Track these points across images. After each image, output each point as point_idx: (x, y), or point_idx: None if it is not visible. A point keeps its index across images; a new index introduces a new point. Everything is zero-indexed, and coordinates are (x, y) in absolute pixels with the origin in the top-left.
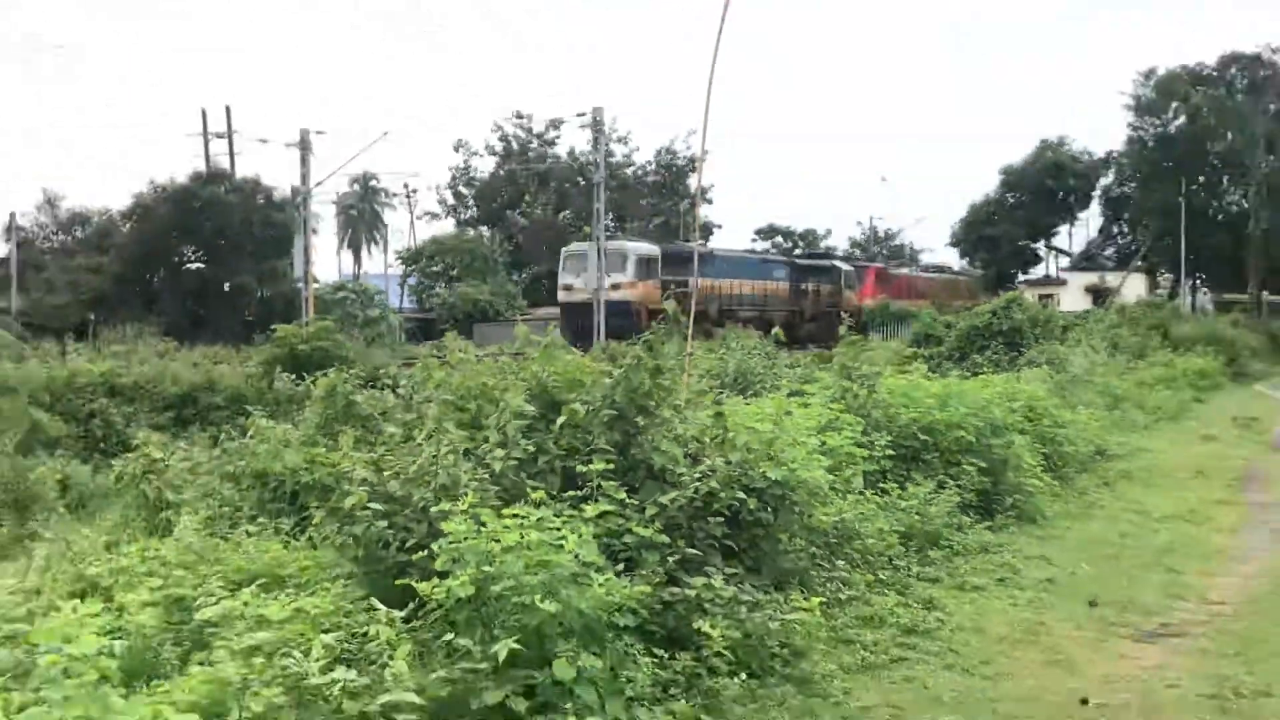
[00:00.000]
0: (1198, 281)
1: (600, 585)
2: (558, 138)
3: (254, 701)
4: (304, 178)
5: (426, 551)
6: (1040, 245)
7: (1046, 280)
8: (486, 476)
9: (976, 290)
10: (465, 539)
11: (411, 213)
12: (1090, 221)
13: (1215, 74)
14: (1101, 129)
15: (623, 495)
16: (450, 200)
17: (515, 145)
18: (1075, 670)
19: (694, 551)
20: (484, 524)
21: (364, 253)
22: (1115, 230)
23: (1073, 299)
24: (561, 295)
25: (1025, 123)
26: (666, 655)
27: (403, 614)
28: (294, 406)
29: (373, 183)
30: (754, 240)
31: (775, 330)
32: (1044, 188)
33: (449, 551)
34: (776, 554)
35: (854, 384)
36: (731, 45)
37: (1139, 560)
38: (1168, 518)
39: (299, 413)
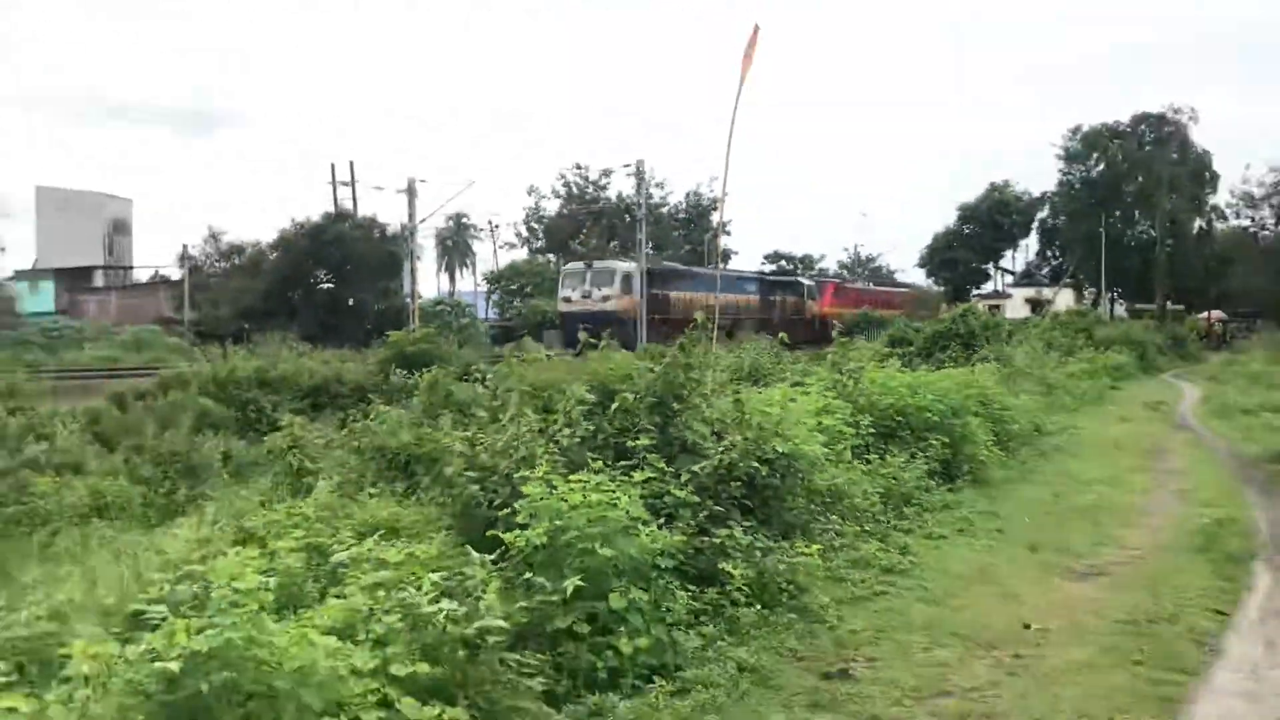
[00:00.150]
0: (1115, 294)
1: (645, 535)
2: (608, 183)
3: (378, 626)
4: (411, 216)
5: (510, 509)
6: (990, 266)
7: (995, 294)
8: (556, 450)
9: (921, 302)
10: (540, 499)
11: (494, 243)
12: (1029, 247)
13: (1129, 129)
14: (1037, 174)
15: (663, 465)
16: (524, 233)
17: (575, 189)
18: (1020, 601)
19: (719, 509)
20: (554, 487)
21: (457, 275)
22: (1049, 254)
23: (1015, 309)
24: (561, 306)
25: (977, 170)
26: (698, 590)
27: (492, 558)
28: (404, 395)
29: (464, 220)
30: (763, 263)
31: (781, 335)
32: (992, 220)
33: (527, 509)
34: (784, 511)
35: (843, 377)
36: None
37: (1070, 515)
38: (1093, 481)
39: (408, 400)
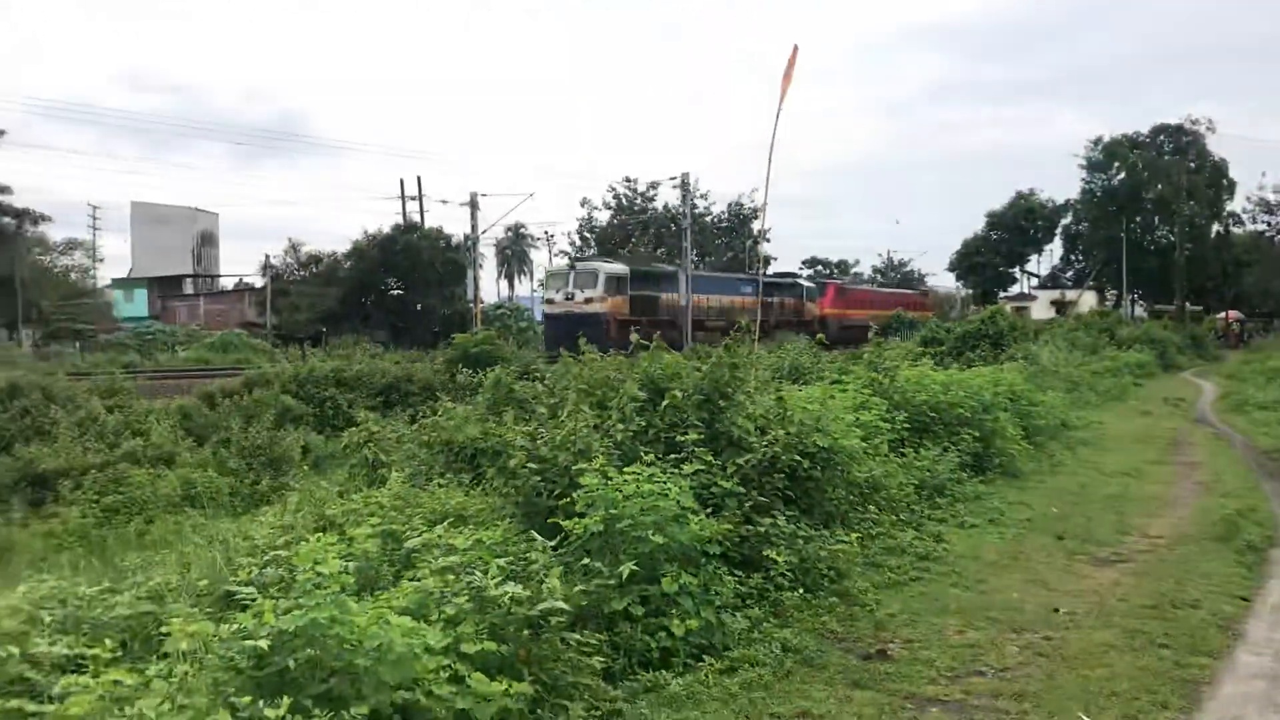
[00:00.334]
0: (1136, 296)
1: (695, 523)
2: (655, 195)
3: (448, 607)
4: (473, 227)
5: (568, 499)
6: (1016, 270)
7: (1021, 296)
8: (611, 444)
9: (933, 304)
10: (596, 490)
11: (550, 252)
12: (1054, 251)
13: (1148, 140)
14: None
15: (710, 458)
16: (577, 242)
17: (624, 201)
18: (1048, 587)
19: (763, 499)
20: (610, 478)
21: (516, 281)
22: (1073, 258)
23: (1041, 311)
24: (545, 308)
25: (1005, 178)
26: (744, 575)
27: (552, 544)
28: (469, 393)
29: (522, 230)
30: (800, 268)
31: (819, 335)
32: (1019, 226)
33: (585, 499)
34: (824, 501)
35: (879, 374)
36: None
37: (1095, 505)
38: (1116, 473)
39: (473, 397)
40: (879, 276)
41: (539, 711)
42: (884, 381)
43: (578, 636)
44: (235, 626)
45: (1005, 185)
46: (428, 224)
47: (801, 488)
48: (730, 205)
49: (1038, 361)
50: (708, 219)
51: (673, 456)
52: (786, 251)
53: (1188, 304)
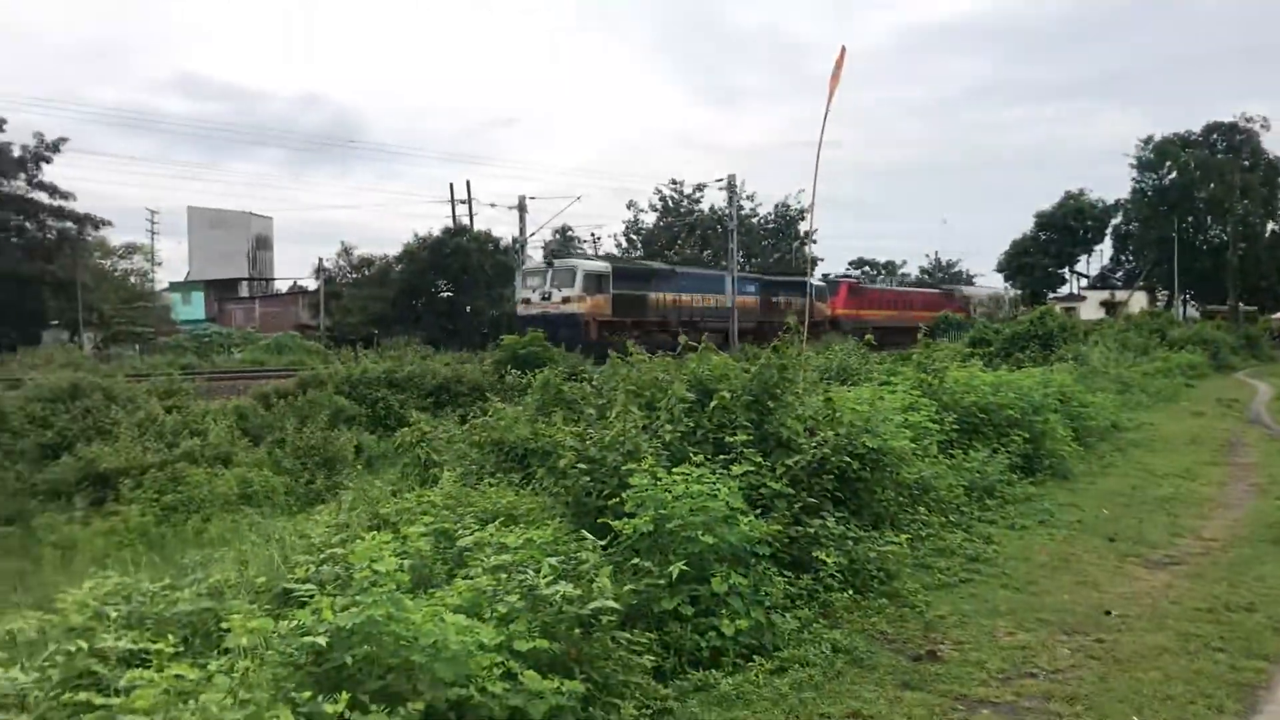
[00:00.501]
0: (1188, 296)
1: (744, 524)
2: (701, 197)
3: (501, 605)
4: (521, 230)
5: (618, 499)
6: (1065, 270)
7: (1070, 297)
8: (660, 445)
9: (960, 304)
10: (646, 490)
11: (596, 254)
12: (1103, 252)
13: (1200, 138)
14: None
15: (759, 459)
16: (624, 244)
17: (670, 203)
18: (1100, 589)
19: (812, 500)
20: (659, 479)
21: None
22: (1122, 258)
23: (1090, 311)
24: (520, 309)
25: (1054, 179)
26: (793, 576)
27: (602, 544)
28: (518, 394)
29: (569, 232)
30: (847, 268)
31: (867, 337)
32: (1068, 227)
33: (634, 498)
34: (873, 502)
35: (928, 376)
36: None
37: (1147, 507)
38: (1168, 475)
39: (522, 398)
40: (926, 277)
41: (590, 709)
42: (933, 382)
43: (628, 635)
44: (294, 623)
45: (1054, 185)
46: (477, 227)
47: (851, 489)
48: (777, 206)
49: (1088, 362)
50: (754, 220)
51: (721, 457)
52: (834, 253)
53: (1241, 304)
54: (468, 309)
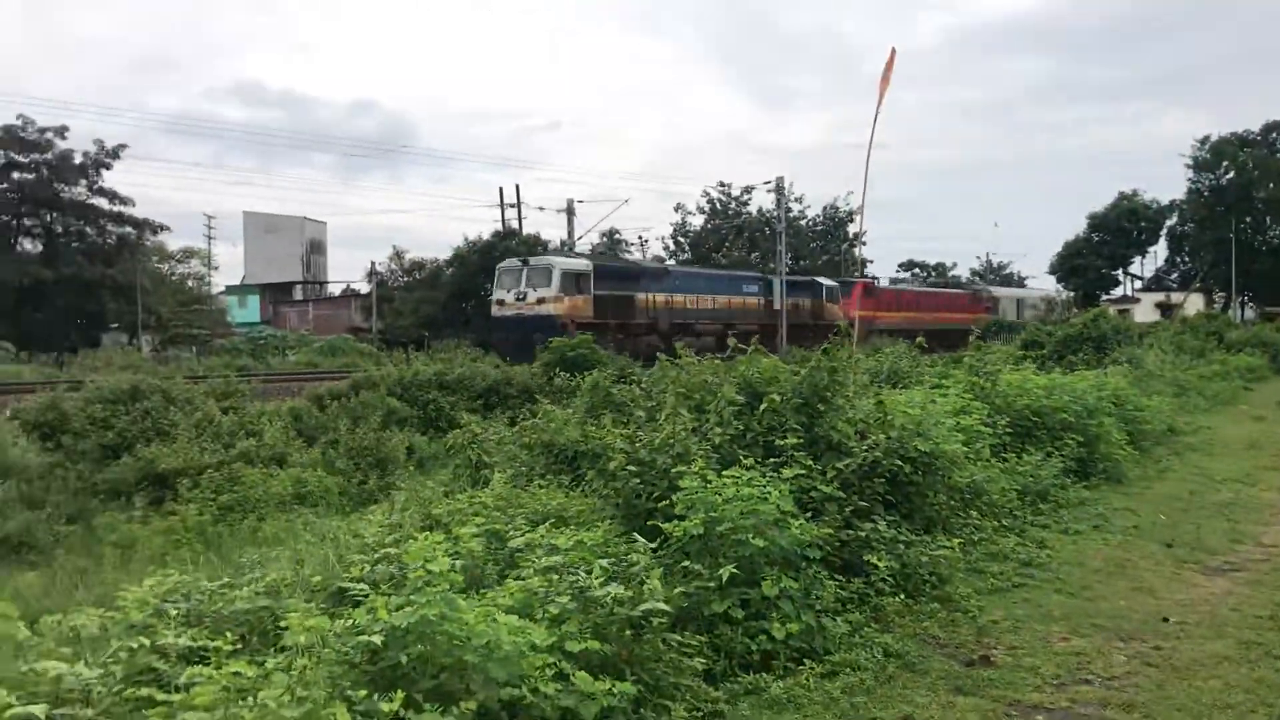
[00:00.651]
0: (1245, 298)
1: (795, 527)
2: (749, 199)
3: (552, 606)
4: (570, 233)
5: (668, 501)
6: (1118, 272)
7: (1124, 299)
8: (709, 447)
9: (987, 306)
10: (695, 492)
11: (644, 257)
12: (1158, 253)
13: (1259, 138)
14: (1165, 183)
15: (809, 462)
16: (672, 247)
17: (718, 205)
18: (1156, 595)
19: (863, 504)
20: (709, 481)
21: None
22: (1178, 260)
23: (1144, 313)
24: (494, 310)
25: (1108, 180)
26: (844, 580)
27: (653, 546)
28: (567, 396)
29: (617, 235)
30: (898, 271)
31: (919, 339)
32: (1122, 228)
33: (684, 501)
34: (925, 506)
35: (980, 379)
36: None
37: (1205, 512)
38: (1227, 480)
39: (571, 400)
40: (977, 279)
41: (641, 711)
42: (985, 386)
43: (678, 638)
44: (350, 622)
45: (1107, 186)
46: (525, 231)
47: (902, 492)
48: (825, 208)
49: (1143, 365)
50: (802, 222)
51: (771, 460)
52: (883, 255)
53: None
54: None
